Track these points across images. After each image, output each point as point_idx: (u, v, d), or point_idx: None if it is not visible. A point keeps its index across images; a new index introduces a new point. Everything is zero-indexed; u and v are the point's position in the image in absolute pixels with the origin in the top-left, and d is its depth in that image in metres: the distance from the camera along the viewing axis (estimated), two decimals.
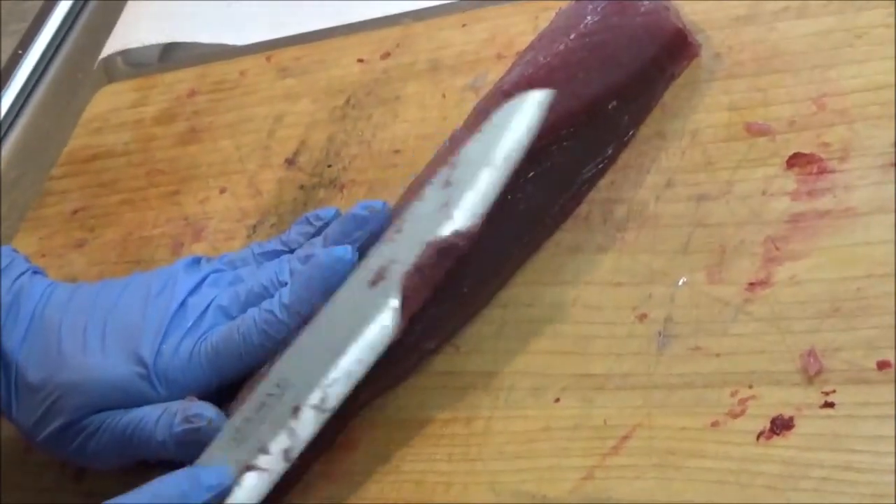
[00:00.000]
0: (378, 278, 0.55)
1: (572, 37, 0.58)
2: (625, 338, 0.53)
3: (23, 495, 0.66)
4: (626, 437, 0.50)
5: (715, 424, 0.48)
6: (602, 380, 0.52)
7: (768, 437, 0.47)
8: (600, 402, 0.52)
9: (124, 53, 0.90)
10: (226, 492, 0.53)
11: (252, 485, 0.53)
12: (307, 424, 0.54)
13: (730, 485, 0.47)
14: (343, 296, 0.56)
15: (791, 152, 0.54)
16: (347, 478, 0.56)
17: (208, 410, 0.56)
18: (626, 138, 0.59)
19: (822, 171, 0.52)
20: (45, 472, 0.66)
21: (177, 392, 0.57)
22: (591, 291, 0.55)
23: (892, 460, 0.44)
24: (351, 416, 0.58)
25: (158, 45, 0.89)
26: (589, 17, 0.58)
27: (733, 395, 0.49)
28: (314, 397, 0.54)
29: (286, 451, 0.53)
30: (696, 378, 0.50)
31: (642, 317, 0.53)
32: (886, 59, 0.54)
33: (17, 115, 0.92)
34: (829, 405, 0.46)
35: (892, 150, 0.51)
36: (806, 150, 0.53)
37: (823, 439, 0.46)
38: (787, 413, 0.47)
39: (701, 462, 0.48)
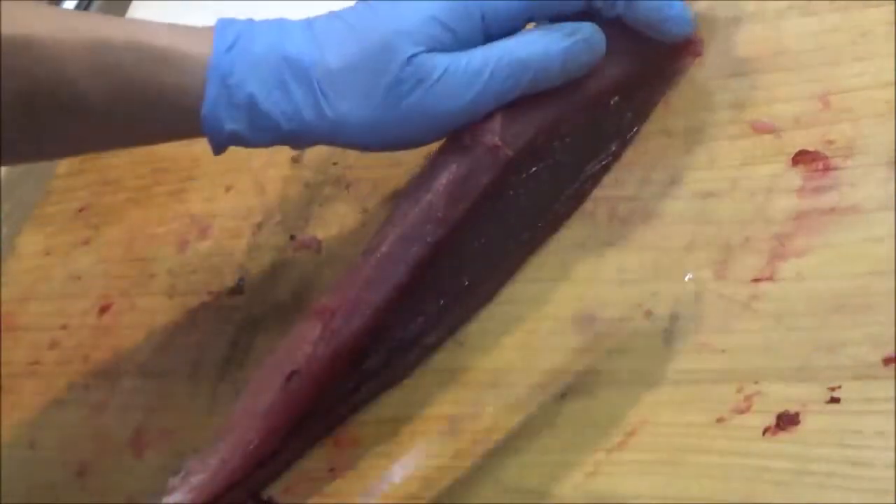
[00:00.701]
0: None
1: None
2: (630, 334, 0.53)
3: (26, 491, 0.67)
4: (631, 433, 0.50)
5: (721, 420, 0.48)
6: (608, 376, 0.52)
7: (774, 433, 0.47)
8: (606, 399, 0.52)
9: None
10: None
11: None
12: None
13: (735, 480, 0.47)
14: None
15: (796, 150, 0.54)
16: (353, 473, 0.56)
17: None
18: (630, 135, 0.59)
19: (827, 169, 0.53)
20: (48, 469, 0.66)
21: None
22: (597, 288, 0.55)
23: None
24: (354, 412, 0.58)
25: None
26: None
27: (739, 391, 0.49)
28: None
29: None
30: (702, 374, 0.50)
31: (648, 313, 0.53)
32: (891, 57, 0.53)
33: None
34: (835, 401, 0.46)
35: None
36: (811, 148, 0.53)
37: (829, 435, 0.46)
38: (792, 409, 0.47)
39: (706, 458, 0.48)
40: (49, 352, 0.73)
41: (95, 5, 0.98)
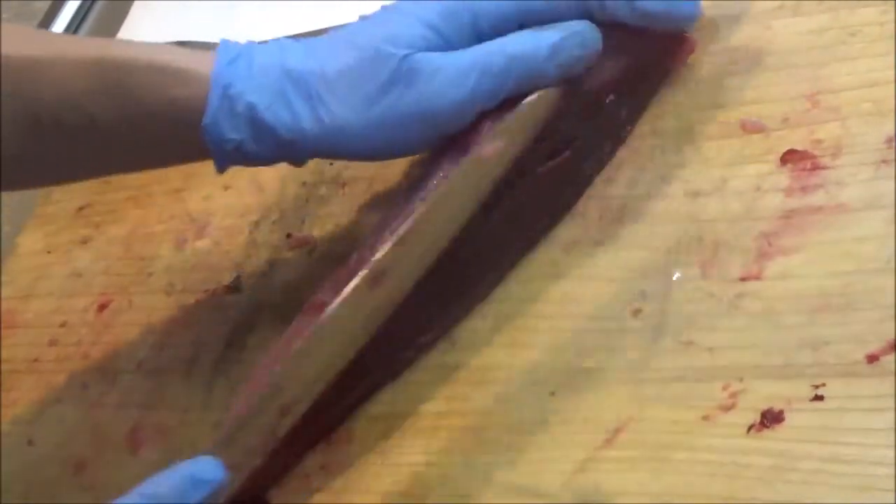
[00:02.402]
0: (376, 282, 0.55)
1: None
2: (618, 332, 0.53)
3: (24, 488, 0.67)
4: (618, 430, 0.50)
5: (706, 418, 0.49)
6: (596, 374, 0.53)
7: (759, 430, 0.47)
8: (593, 396, 0.52)
9: None
10: (223, 487, 0.53)
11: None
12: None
13: (720, 477, 0.47)
14: (346, 300, 0.55)
15: (785, 149, 0.54)
16: (345, 470, 0.57)
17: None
18: (623, 135, 0.59)
19: (815, 168, 0.53)
20: (46, 465, 0.67)
21: None
22: (586, 286, 0.56)
23: (881, 452, 0.44)
24: (349, 410, 0.58)
25: None
26: None
27: (725, 388, 0.49)
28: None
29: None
30: (689, 372, 0.50)
31: (636, 311, 0.53)
32: (879, 57, 0.54)
33: None
34: (819, 398, 0.47)
35: (885, 146, 0.52)
36: (799, 147, 0.54)
37: (813, 431, 0.46)
38: (777, 406, 0.47)
39: (692, 455, 0.48)
40: (49, 349, 0.74)
41: (98, 6, 0.99)
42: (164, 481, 0.52)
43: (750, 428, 0.47)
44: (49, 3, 1.00)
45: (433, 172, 0.57)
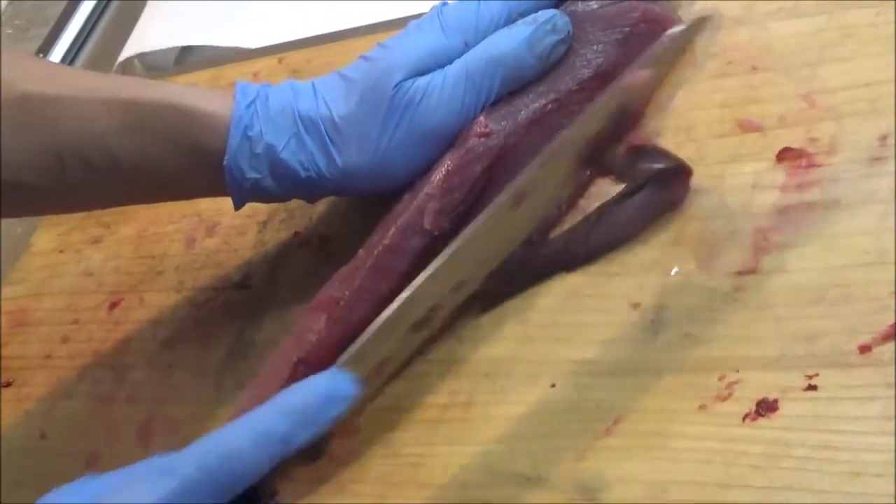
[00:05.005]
0: (519, 200, 0.55)
1: None
2: (618, 325, 0.54)
3: (36, 480, 0.68)
4: (617, 421, 0.52)
5: (702, 407, 0.50)
6: (595, 366, 0.54)
7: (753, 419, 0.48)
8: (594, 387, 0.53)
9: (141, 56, 0.93)
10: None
11: None
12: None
13: (715, 464, 0.48)
14: (490, 217, 0.54)
15: (781, 147, 0.55)
16: (351, 460, 0.58)
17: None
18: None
19: (811, 165, 0.54)
20: (58, 459, 0.68)
21: None
22: (587, 281, 0.57)
23: (872, 439, 0.45)
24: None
25: (175, 48, 0.92)
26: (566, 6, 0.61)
27: (721, 379, 0.50)
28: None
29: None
30: (686, 363, 0.52)
31: (636, 305, 0.55)
32: (873, 57, 0.55)
33: None
34: (813, 388, 0.48)
35: (878, 144, 0.53)
36: (795, 145, 0.55)
37: (806, 420, 0.47)
38: (772, 396, 0.49)
39: (688, 443, 0.49)
40: (61, 345, 0.75)
41: (109, 12, 1.00)
42: (301, 395, 0.52)
43: (745, 417, 0.49)
44: (64, 3, 1.01)
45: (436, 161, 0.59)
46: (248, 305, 0.69)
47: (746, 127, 0.57)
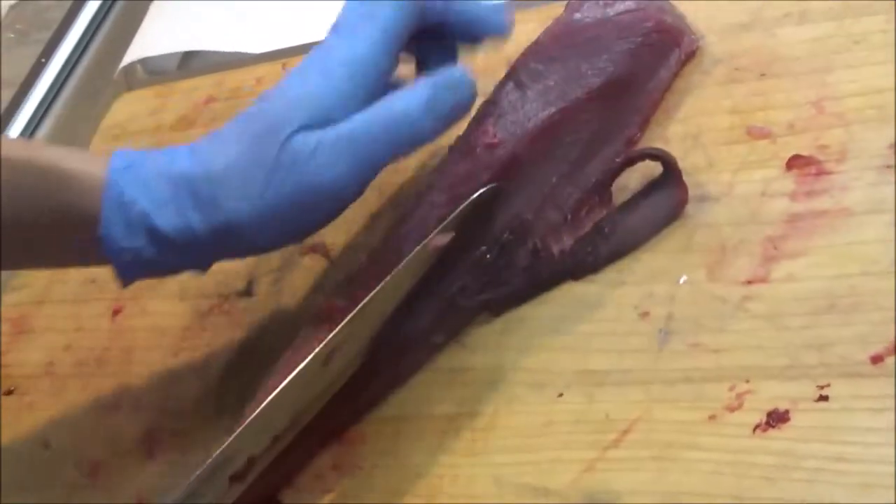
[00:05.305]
0: (331, 357, 0.55)
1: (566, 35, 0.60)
2: (626, 335, 0.54)
3: (39, 490, 0.68)
4: (626, 431, 0.51)
5: (712, 418, 0.50)
6: (603, 375, 0.53)
7: (764, 430, 0.48)
8: (601, 397, 0.53)
9: (144, 62, 0.92)
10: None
11: None
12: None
13: (726, 476, 0.48)
14: (301, 371, 0.54)
15: (790, 154, 0.55)
16: (356, 470, 0.57)
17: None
18: (633, 137, 0.60)
19: (820, 173, 0.54)
20: (61, 468, 0.67)
21: None
22: (595, 290, 0.56)
23: (884, 451, 0.45)
24: (361, 411, 0.59)
25: (177, 53, 0.91)
26: (578, 15, 0.61)
27: (731, 389, 0.50)
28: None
29: None
30: (695, 373, 0.51)
31: (644, 314, 0.54)
32: (883, 64, 0.55)
33: (39, 122, 0.94)
34: (824, 398, 0.48)
35: (888, 151, 0.52)
36: (804, 153, 0.55)
37: (818, 431, 0.47)
38: (782, 406, 0.48)
39: (698, 454, 0.49)
40: (64, 353, 0.74)
41: (112, 16, 1.00)
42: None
43: (756, 428, 0.48)
44: (70, 3, 1.01)
45: (442, 169, 0.60)
46: (253, 314, 0.68)
47: (755, 134, 0.57)
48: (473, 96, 0.57)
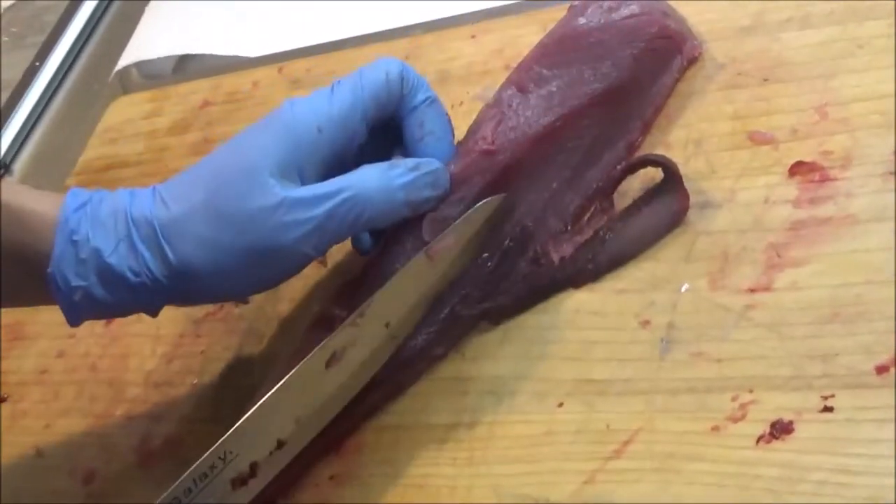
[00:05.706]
0: (334, 360, 0.55)
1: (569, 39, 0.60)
2: (628, 343, 0.53)
3: (33, 499, 0.67)
4: (627, 442, 0.50)
5: (715, 429, 0.49)
6: (604, 385, 0.53)
7: (768, 441, 0.47)
8: (603, 407, 0.52)
9: (139, 65, 0.92)
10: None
11: None
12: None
13: (729, 488, 0.47)
14: (300, 371, 0.54)
15: (793, 160, 0.54)
16: (354, 480, 0.57)
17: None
18: (635, 142, 0.59)
19: (824, 179, 0.53)
20: (54, 476, 0.67)
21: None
22: (595, 298, 0.56)
23: (890, 463, 0.44)
24: (359, 420, 0.58)
25: (173, 56, 0.91)
26: (582, 19, 0.60)
27: (734, 399, 0.49)
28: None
29: None
30: (698, 383, 0.50)
31: (645, 323, 0.53)
32: (887, 69, 0.54)
33: (34, 125, 0.93)
34: (829, 409, 0.47)
35: (892, 158, 0.52)
36: (808, 159, 0.54)
37: (822, 443, 0.46)
38: (786, 417, 0.47)
39: (701, 465, 0.48)
40: (57, 360, 0.74)
41: (107, 19, 0.99)
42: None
43: (759, 439, 0.48)
44: (66, 3, 1.00)
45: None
46: (249, 320, 0.68)
47: (758, 139, 0.56)
48: (446, 194, 0.57)
